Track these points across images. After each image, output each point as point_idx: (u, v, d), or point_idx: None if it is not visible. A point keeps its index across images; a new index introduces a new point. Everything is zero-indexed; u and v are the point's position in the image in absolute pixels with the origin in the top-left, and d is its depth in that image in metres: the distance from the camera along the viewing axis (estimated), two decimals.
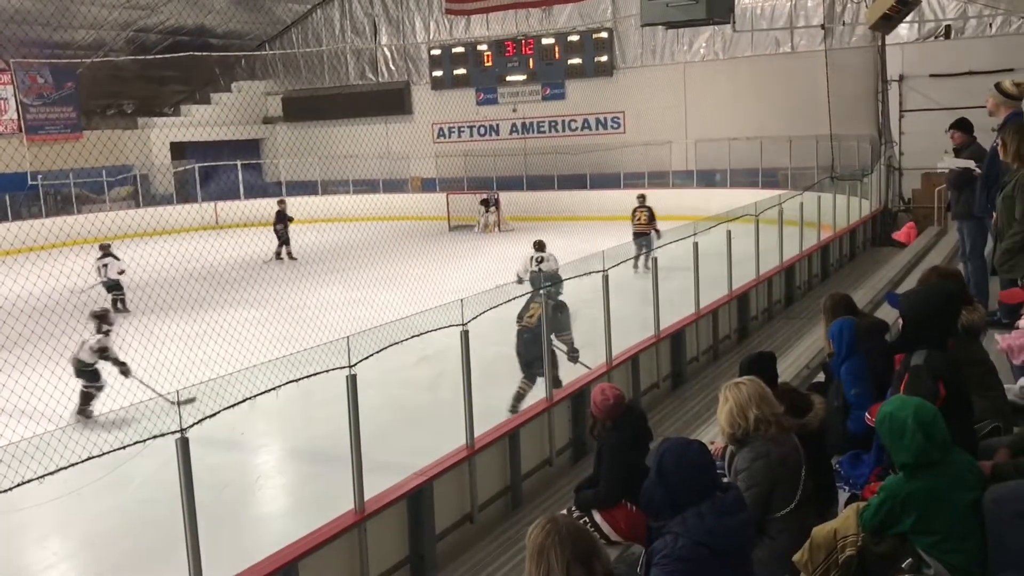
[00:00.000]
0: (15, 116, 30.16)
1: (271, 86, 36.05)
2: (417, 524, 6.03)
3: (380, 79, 34.04)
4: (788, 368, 8.16)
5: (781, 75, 26.23)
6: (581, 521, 5.13)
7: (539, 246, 14.02)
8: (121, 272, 18.03)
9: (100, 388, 10.83)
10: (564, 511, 5.44)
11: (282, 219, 23.14)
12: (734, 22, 17.78)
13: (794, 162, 24.74)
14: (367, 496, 5.66)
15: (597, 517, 5.39)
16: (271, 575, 4.91)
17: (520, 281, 12.74)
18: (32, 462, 4.09)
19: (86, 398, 10.78)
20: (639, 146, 28.43)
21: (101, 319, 11.61)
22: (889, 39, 22.66)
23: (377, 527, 5.69)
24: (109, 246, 18.83)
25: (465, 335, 6.63)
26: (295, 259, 22.86)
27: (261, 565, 4.95)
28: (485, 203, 27.43)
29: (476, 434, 6.69)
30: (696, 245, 10.48)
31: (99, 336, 11.18)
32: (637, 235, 17.97)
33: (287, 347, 9.98)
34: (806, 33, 26.19)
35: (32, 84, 30.51)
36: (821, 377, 6.30)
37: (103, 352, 11.02)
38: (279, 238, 23.02)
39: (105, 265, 18.26)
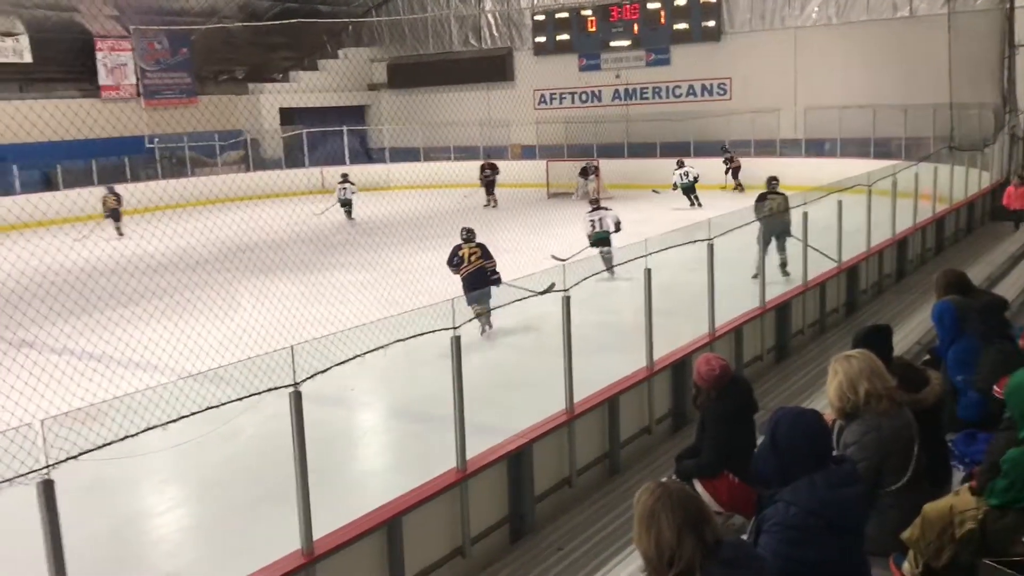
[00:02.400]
0: (133, 81, 31.35)
1: (376, 53, 36.49)
2: (517, 485, 6.11)
3: (483, 45, 34.07)
4: (897, 344, 7.91)
5: (898, 40, 25.16)
6: None
7: (594, 204, 16.26)
8: (353, 193, 24.90)
9: None
10: (664, 479, 5.43)
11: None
12: None
13: (909, 131, 23.79)
14: (468, 455, 5.76)
15: (698, 486, 5.36)
16: (377, 528, 5.05)
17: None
18: (157, 410, 4.30)
19: None
20: (746, 113, 27.76)
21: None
22: (1019, 1, 21.44)
23: (478, 486, 5.79)
24: (347, 175, 25.58)
25: (567, 301, 6.64)
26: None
27: (367, 518, 5.10)
28: (584, 172, 27.28)
29: (576, 399, 6.72)
30: (805, 215, 10.21)
31: None
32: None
33: (389, 309, 10.20)
34: None
35: (150, 50, 31.66)
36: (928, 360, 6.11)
37: None
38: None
39: (344, 188, 24.77)
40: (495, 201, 26.67)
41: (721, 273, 8.53)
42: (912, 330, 9.65)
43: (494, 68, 33.32)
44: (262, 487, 7.28)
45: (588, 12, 30.95)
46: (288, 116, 34.26)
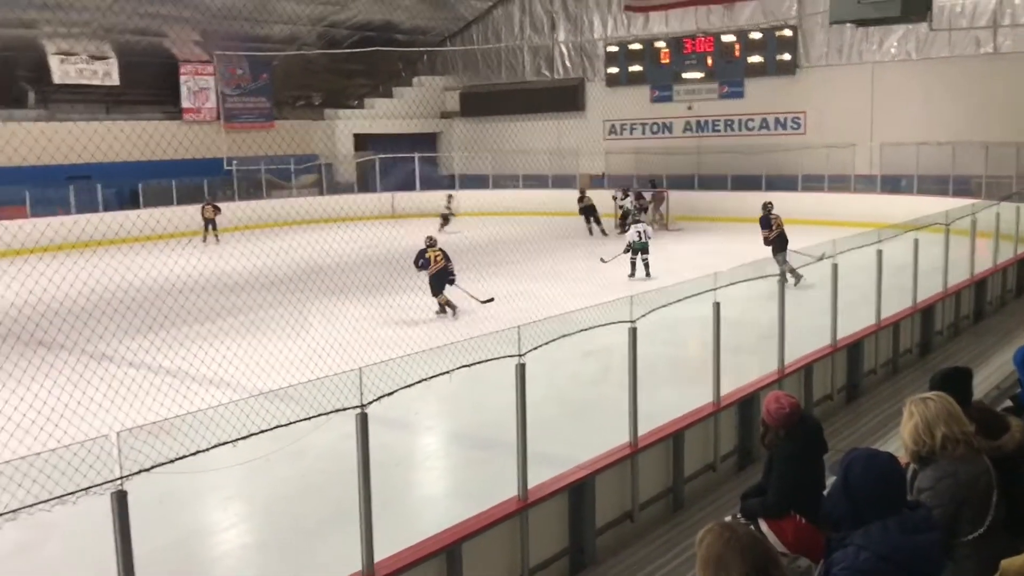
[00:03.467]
0: (214, 105, 32.30)
1: (450, 81, 37.00)
2: (578, 517, 6.06)
3: (555, 75, 34.30)
4: (976, 388, 7.65)
5: (980, 77, 24.62)
6: None
7: (634, 218, 20.27)
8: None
9: None
10: (728, 517, 5.33)
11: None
12: (931, 20, 16.76)
13: (990, 170, 23.16)
14: (530, 485, 5.74)
15: (763, 526, 5.25)
16: (437, 553, 5.06)
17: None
18: (227, 426, 4.38)
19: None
20: (820, 148, 27.37)
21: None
22: None
23: (539, 516, 5.76)
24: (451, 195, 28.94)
25: (633, 332, 6.60)
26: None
27: (428, 542, 5.11)
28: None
29: (639, 433, 6.65)
30: (880, 253, 10.00)
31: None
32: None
33: (454, 334, 10.27)
34: (1012, 32, 24.43)
35: (231, 75, 32.60)
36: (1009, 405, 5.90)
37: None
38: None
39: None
40: (601, 230, 26.17)
41: (790, 309, 8.39)
42: (991, 374, 9.34)
43: (566, 98, 33.50)
44: (325, 507, 7.36)
45: (662, 44, 30.96)
46: (362, 142, 34.89)
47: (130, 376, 10.83)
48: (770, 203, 17.71)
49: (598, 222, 26.17)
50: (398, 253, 20.34)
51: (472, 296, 15.36)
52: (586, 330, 6.47)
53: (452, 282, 15.39)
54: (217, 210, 27.10)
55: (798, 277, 13.91)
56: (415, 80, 36.97)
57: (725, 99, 30.19)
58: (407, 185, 33.16)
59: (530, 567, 5.66)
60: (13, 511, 3.36)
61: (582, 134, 31.79)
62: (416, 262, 15.60)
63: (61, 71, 28.52)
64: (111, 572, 3.98)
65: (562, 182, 31.69)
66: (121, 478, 3.69)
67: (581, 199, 26.92)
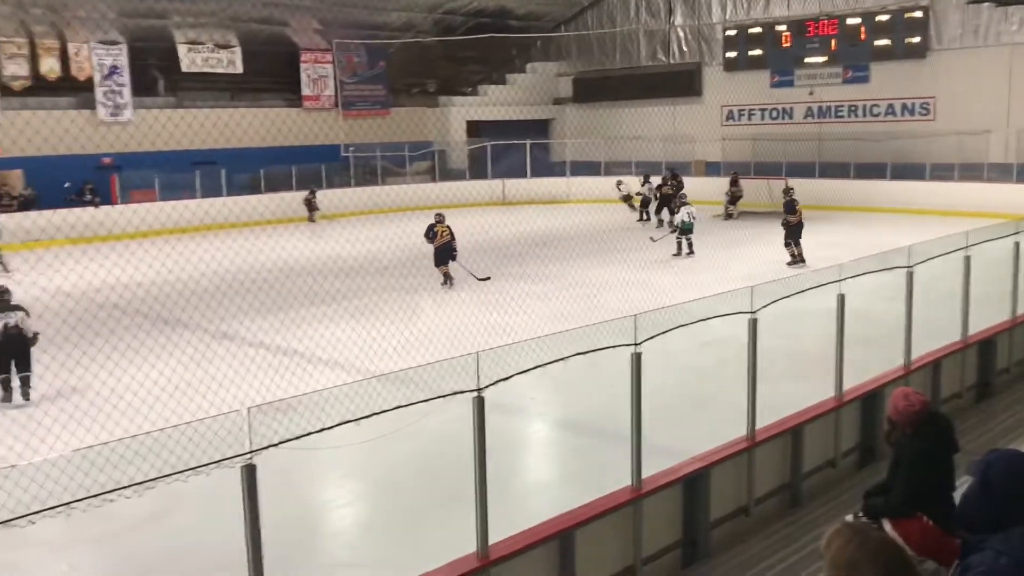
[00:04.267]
0: (332, 92, 33.09)
1: (563, 67, 36.88)
2: (692, 509, 5.97)
3: (671, 60, 33.76)
4: None
5: None
6: None
7: (682, 199, 20.74)
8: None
9: None
10: (850, 516, 5.16)
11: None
12: None
13: None
14: (643, 475, 5.68)
15: (887, 526, 5.05)
16: (550, 538, 5.06)
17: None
18: (343, 407, 4.47)
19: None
20: (951, 135, 26.11)
21: None
22: None
23: (652, 506, 5.70)
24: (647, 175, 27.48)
25: (753, 323, 6.44)
26: None
27: (542, 527, 5.12)
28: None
29: (757, 426, 6.50)
30: (1017, 246, 9.49)
31: None
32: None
33: (563, 323, 10.24)
34: None
35: (349, 63, 33.34)
36: None
37: None
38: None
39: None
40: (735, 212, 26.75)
41: (918, 303, 8.04)
42: None
43: (681, 83, 32.95)
44: (438, 488, 7.45)
45: (783, 27, 30.08)
46: (474, 128, 35.17)
47: (249, 355, 11.23)
48: (792, 188, 19.50)
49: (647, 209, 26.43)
50: (507, 240, 20.46)
51: (471, 273, 16.65)
52: (704, 320, 6.36)
53: (454, 258, 16.78)
54: (313, 193, 28.31)
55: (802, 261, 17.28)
56: (528, 66, 37.00)
57: (849, 84, 29.10)
58: (518, 172, 33.25)
59: (642, 557, 5.61)
60: (152, 480, 3.52)
61: (698, 120, 31.20)
62: (427, 235, 17.03)
63: (189, 60, 29.73)
64: (233, 541, 4.12)
65: (677, 169, 31.20)
66: (251, 452, 3.81)
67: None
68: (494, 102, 35.17)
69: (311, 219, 27.94)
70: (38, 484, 3.52)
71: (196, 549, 6.57)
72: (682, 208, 20.05)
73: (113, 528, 6.70)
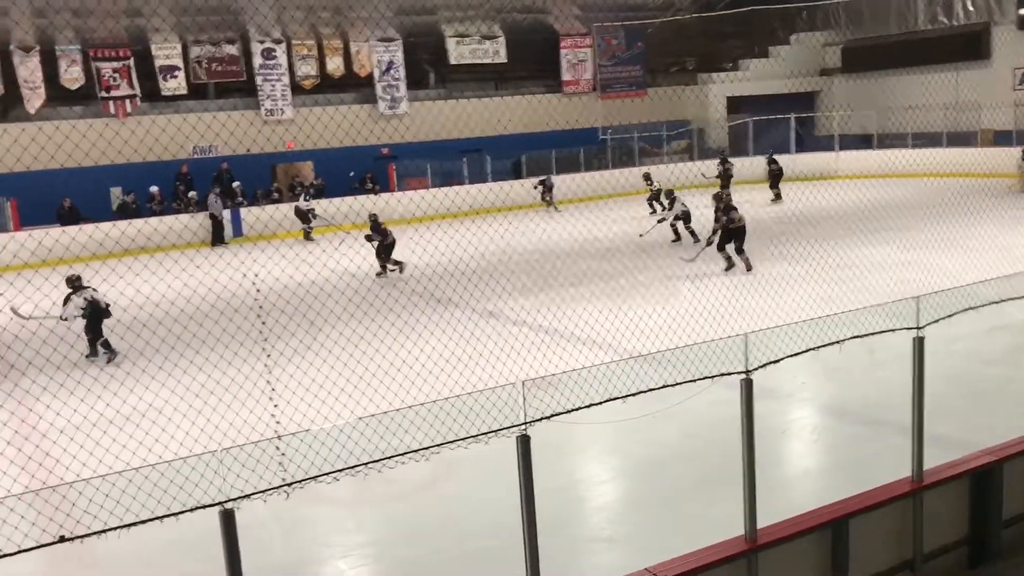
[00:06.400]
0: (591, 76, 33.46)
1: (831, 37, 34.96)
2: (980, 506, 5.54)
3: (954, 22, 31.00)
4: None
5: None
6: None
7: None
8: None
9: None
10: None
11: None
12: None
13: None
14: (925, 466, 5.35)
15: None
16: (822, 526, 4.90)
17: None
18: (603, 386, 4.54)
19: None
20: None
21: None
22: None
23: (934, 501, 5.36)
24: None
25: None
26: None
27: (812, 515, 4.98)
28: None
29: None
30: None
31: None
32: None
33: (831, 306, 9.78)
34: None
35: (607, 46, 33.58)
36: None
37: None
38: None
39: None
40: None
41: None
42: None
43: (966, 46, 30.15)
44: (701, 470, 7.40)
45: None
46: (735, 105, 34.22)
47: (513, 333, 11.69)
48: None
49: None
50: (768, 219, 19.81)
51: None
52: (996, 303, 5.86)
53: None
54: (543, 182, 28.07)
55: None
56: (792, 38, 35.41)
57: None
58: (782, 148, 31.95)
59: (923, 553, 5.29)
60: (439, 445, 3.79)
61: (985, 86, 28.46)
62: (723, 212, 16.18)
63: (456, 52, 31.29)
64: (503, 510, 4.33)
65: (959, 140, 28.67)
66: (525, 423, 4.00)
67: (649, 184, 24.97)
68: (755, 77, 34.09)
69: (551, 206, 27.63)
70: (327, 448, 3.88)
71: (468, 516, 6.96)
72: (676, 200, 19.36)
73: (393, 491, 7.24)
